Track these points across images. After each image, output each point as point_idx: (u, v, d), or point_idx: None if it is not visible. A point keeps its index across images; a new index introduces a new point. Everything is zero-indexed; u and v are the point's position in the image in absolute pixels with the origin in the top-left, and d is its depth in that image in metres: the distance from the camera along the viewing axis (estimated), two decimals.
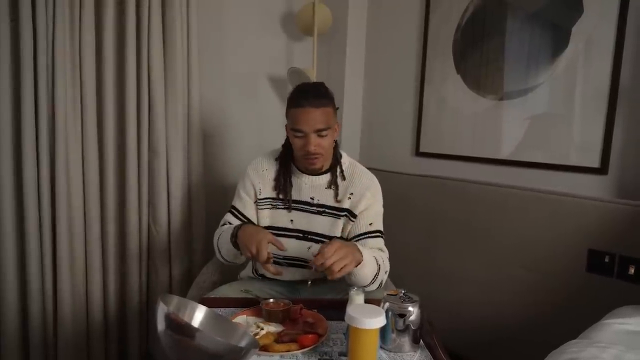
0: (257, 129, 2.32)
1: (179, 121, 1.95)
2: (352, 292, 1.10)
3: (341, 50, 2.35)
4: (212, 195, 2.16)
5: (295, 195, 1.42)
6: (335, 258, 1.09)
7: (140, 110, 1.88)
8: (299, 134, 1.31)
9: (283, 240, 1.42)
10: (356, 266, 1.19)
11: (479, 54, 1.84)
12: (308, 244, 1.43)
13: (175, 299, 1.00)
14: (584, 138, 1.54)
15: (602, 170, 1.49)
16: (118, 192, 1.90)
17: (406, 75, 2.17)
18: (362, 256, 1.20)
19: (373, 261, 1.28)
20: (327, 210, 1.41)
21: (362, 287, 1.27)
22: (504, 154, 1.78)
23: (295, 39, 2.41)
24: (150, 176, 1.94)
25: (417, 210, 2.03)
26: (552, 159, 1.63)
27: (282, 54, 2.41)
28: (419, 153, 2.13)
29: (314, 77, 2.14)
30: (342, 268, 1.10)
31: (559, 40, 1.59)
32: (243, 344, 0.95)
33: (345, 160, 1.48)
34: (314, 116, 1.28)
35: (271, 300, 1.18)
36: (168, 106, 1.93)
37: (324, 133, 1.31)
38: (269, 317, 1.13)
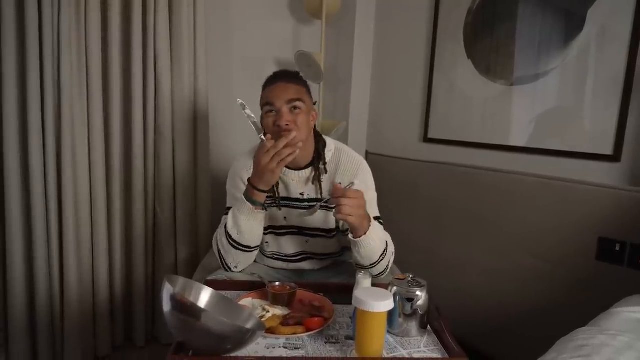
0: None
1: (186, 105, 1.94)
2: (359, 275, 1.09)
3: (350, 34, 2.32)
4: (218, 180, 2.15)
5: (284, 193, 1.37)
6: (351, 203, 1.10)
7: (147, 94, 1.87)
8: (270, 108, 1.25)
9: (280, 238, 1.42)
10: (360, 236, 1.18)
11: (490, 38, 1.81)
12: (305, 238, 1.42)
13: (180, 280, 1.00)
14: (597, 125, 1.51)
15: (615, 157, 1.46)
16: (124, 175, 1.90)
17: (415, 60, 2.14)
18: (368, 228, 1.19)
19: (382, 237, 1.26)
20: (319, 204, 1.36)
21: (370, 267, 1.26)
22: (514, 141, 1.75)
23: (303, 22, 2.38)
24: (156, 160, 1.94)
25: (424, 196, 2.02)
26: (564, 145, 1.60)
27: (290, 37, 2.38)
28: (427, 139, 2.10)
29: (322, 61, 2.11)
30: (348, 214, 1.10)
31: (572, 25, 1.55)
32: (249, 325, 0.95)
33: (331, 146, 1.40)
34: (285, 90, 1.25)
35: (277, 283, 1.18)
36: (174, 90, 1.92)
37: (297, 104, 1.24)
38: (275, 300, 1.13)
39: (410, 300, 1.02)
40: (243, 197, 1.23)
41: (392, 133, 2.31)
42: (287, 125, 1.22)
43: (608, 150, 1.48)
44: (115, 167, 1.85)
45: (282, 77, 1.30)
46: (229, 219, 1.25)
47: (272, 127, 1.25)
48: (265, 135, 1.20)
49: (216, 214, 2.05)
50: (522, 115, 1.72)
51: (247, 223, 1.23)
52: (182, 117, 1.94)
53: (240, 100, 1.22)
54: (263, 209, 1.25)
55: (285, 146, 1.14)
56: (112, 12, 1.74)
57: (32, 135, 1.62)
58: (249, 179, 1.23)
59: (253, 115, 1.22)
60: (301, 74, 1.37)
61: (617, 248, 1.39)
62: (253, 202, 1.21)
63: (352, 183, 1.24)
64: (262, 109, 1.30)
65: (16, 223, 1.65)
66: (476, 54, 1.87)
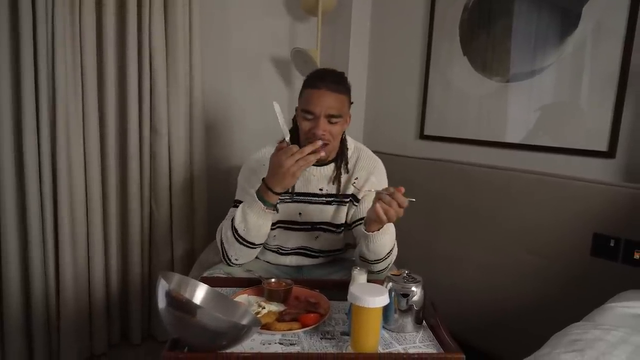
0: (260, 111, 2.30)
1: (181, 102, 1.94)
2: (355, 272, 1.09)
3: (346, 31, 2.32)
4: (214, 177, 2.16)
5: (303, 188, 1.38)
6: (400, 213, 1.12)
7: (142, 93, 1.86)
8: (309, 116, 1.26)
9: (290, 233, 1.42)
10: (373, 231, 1.21)
11: (485, 35, 1.81)
12: (316, 233, 1.42)
13: (176, 277, 1.00)
14: (592, 121, 1.52)
15: (610, 154, 1.47)
16: (120, 174, 1.90)
17: (412, 57, 2.14)
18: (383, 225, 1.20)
19: (393, 235, 1.28)
20: (335, 199, 1.39)
21: (374, 262, 1.28)
22: (510, 137, 1.76)
23: (299, 20, 2.38)
24: (152, 159, 1.94)
25: (420, 193, 1.99)
26: (559, 142, 1.60)
27: (286, 34, 2.37)
28: (423, 136, 2.11)
29: (318, 59, 2.11)
30: (392, 217, 1.12)
31: (567, 22, 1.56)
32: (244, 321, 0.95)
33: (351, 145, 1.44)
34: (328, 100, 1.24)
35: (273, 279, 1.18)
36: (170, 87, 1.92)
37: (334, 120, 1.26)
38: (271, 297, 1.13)
39: (406, 295, 1.02)
40: (255, 195, 1.23)
41: (388, 130, 2.31)
42: (323, 135, 1.24)
43: (603, 146, 1.49)
44: (110, 166, 1.84)
45: (328, 82, 1.26)
46: (238, 213, 1.26)
47: (307, 131, 1.27)
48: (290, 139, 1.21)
49: (212, 212, 2.05)
50: (518, 111, 1.73)
51: (255, 221, 1.24)
52: (178, 116, 1.94)
53: (277, 104, 1.21)
54: (274, 210, 1.26)
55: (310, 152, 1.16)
56: (107, 11, 1.73)
57: (26, 135, 1.60)
58: (264, 179, 1.22)
59: (284, 120, 1.22)
60: (345, 75, 1.35)
61: (612, 244, 1.40)
62: (265, 203, 1.22)
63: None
64: (299, 107, 1.30)
65: (11, 223, 1.64)
66: (472, 51, 1.87)
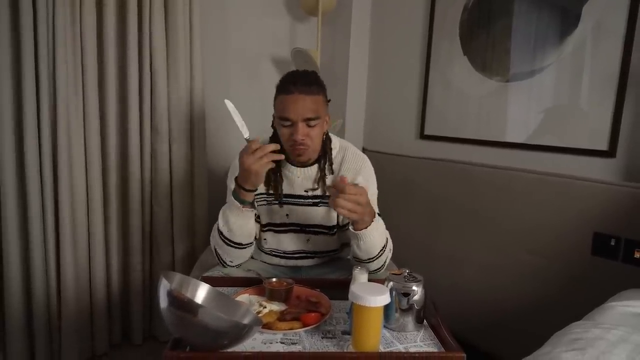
0: (260, 110, 2.28)
1: (182, 104, 1.94)
2: (355, 271, 1.10)
3: (346, 31, 2.32)
4: (214, 178, 2.16)
5: (288, 190, 1.38)
6: (347, 198, 1.09)
7: (143, 93, 1.87)
8: (287, 123, 1.25)
9: (280, 236, 1.43)
10: (360, 229, 1.19)
11: (485, 35, 1.81)
12: (307, 236, 1.42)
13: (177, 276, 1.00)
14: (592, 121, 1.52)
15: (610, 153, 1.47)
16: (121, 174, 1.90)
17: (412, 56, 2.14)
18: (370, 222, 1.20)
19: (383, 232, 1.27)
20: (322, 201, 1.37)
21: (367, 261, 1.28)
22: (510, 137, 1.76)
23: (299, 20, 2.38)
24: (152, 159, 1.94)
25: (421, 193, 2.02)
26: (559, 141, 1.60)
27: (286, 34, 2.38)
28: (423, 136, 2.11)
29: (318, 59, 2.11)
30: (341, 207, 1.10)
31: (567, 22, 1.56)
32: (246, 321, 0.95)
33: (335, 144, 1.42)
34: (303, 104, 1.23)
35: (274, 279, 1.18)
36: (170, 89, 1.92)
37: (312, 123, 1.25)
38: (272, 296, 1.13)
39: (407, 295, 1.02)
40: (232, 195, 1.24)
41: (388, 130, 2.31)
42: (303, 140, 1.24)
43: (603, 145, 1.49)
44: (111, 166, 1.84)
45: (300, 86, 1.24)
46: (220, 217, 1.28)
47: (287, 138, 1.27)
48: (250, 136, 1.21)
49: (213, 212, 2.05)
50: (517, 111, 1.73)
51: (235, 221, 1.25)
52: (179, 116, 1.94)
53: (229, 102, 1.21)
54: (251, 208, 1.26)
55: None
56: (107, 11, 1.74)
57: (27, 135, 1.61)
58: (235, 178, 1.23)
59: (240, 118, 1.21)
60: (318, 74, 1.34)
61: (612, 243, 1.40)
62: (241, 201, 1.23)
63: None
64: (276, 114, 1.30)
65: (12, 223, 1.64)
66: (472, 50, 1.87)
